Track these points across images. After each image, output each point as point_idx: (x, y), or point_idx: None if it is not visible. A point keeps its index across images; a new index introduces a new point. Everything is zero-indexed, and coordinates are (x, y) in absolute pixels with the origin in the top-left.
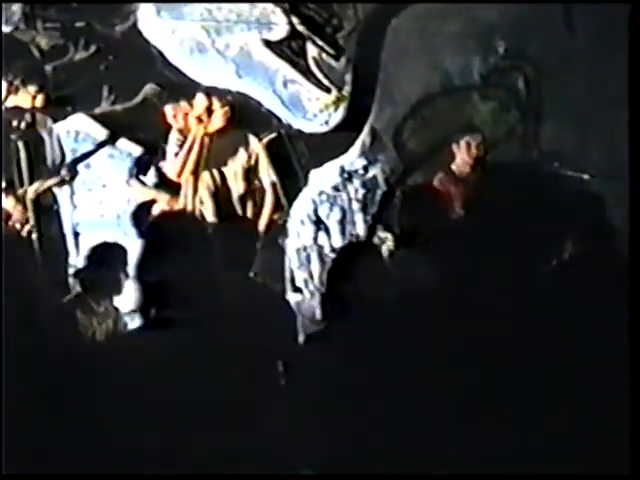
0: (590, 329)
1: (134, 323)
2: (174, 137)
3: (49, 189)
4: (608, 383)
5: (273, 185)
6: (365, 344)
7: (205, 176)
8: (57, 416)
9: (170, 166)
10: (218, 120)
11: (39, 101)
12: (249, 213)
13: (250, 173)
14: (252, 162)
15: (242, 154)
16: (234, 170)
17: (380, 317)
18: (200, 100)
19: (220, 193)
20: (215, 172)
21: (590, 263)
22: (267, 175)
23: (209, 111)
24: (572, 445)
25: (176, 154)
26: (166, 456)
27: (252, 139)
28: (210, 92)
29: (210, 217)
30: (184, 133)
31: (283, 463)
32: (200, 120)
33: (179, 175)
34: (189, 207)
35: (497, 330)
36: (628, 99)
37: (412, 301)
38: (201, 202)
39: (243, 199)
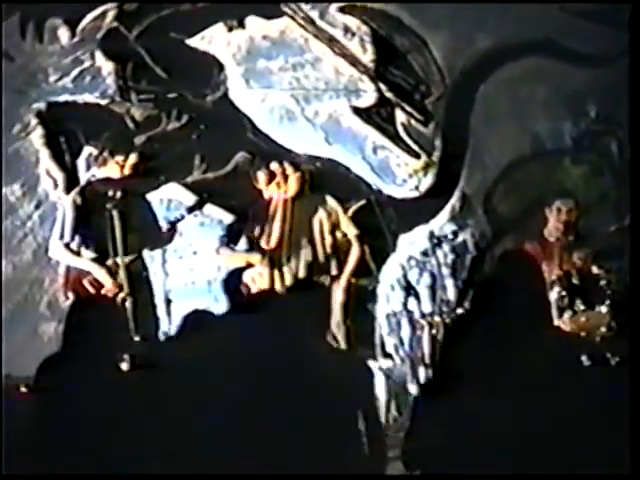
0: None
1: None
2: (262, 206)
3: (141, 257)
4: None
5: (359, 238)
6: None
7: (291, 241)
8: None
9: (260, 235)
10: (292, 185)
11: (132, 171)
12: (334, 271)
13: (334, 231)
14: (333, 220)
15: (321, 214)
16: (318, 230)
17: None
18: (274, 167)
19: (306, 255)
20: (300, 236)
21: None
22: (349, 229)
23: (284, 176)
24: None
25: (264, 222)
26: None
27: (329, 199)
28: (286, 158)
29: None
30: (269, 201)
31: None
32: (279, 185)
33: (268, 242)
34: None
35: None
36: (629, 99)
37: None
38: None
39: (328, 259)
